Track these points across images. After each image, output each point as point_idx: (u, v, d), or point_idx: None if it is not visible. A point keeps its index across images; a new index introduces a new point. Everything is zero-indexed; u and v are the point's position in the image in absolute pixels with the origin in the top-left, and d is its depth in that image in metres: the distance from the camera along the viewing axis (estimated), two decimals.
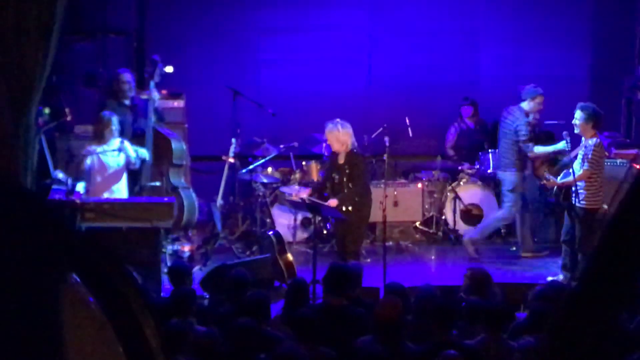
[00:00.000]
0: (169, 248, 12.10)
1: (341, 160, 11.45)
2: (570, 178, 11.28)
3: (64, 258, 2.00)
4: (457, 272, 11.81)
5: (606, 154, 11.65)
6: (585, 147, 11.27)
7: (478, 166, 14.12)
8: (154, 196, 11.53)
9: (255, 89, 14.51)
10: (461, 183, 14.04)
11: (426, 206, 14.17)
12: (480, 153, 14.19)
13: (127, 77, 12.22)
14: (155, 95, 12.07)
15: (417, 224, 14.21)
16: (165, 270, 10.64)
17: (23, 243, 1.93)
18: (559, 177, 11.65)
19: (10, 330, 1.87)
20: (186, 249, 12.41)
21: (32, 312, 1.90)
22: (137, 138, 11.91)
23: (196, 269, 11.62)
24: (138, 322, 2.22)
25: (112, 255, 2.25)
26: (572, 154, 11.66)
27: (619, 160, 13.07)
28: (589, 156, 11.18)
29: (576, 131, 11.45)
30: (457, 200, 13.86)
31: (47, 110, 12.18)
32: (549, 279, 11.28)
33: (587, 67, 15.70)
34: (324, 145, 13.82)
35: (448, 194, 14.00)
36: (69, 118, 12.35)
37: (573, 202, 11.29)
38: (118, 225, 10.15)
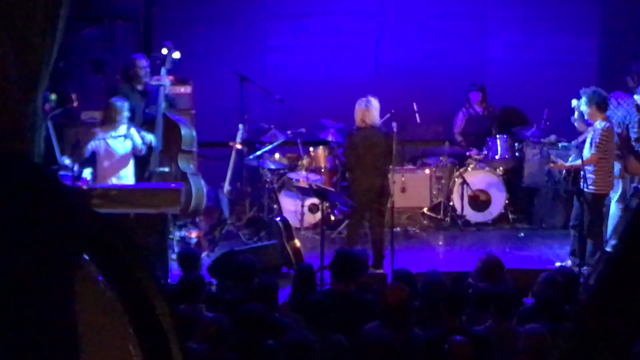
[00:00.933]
0: (176, 234, 12.10)
1: None
2: (579, 162, 11.25)
3: (79, 239, 1.98)
4: (464, 258, 11.83)
5: (613, 135, 11.53)
6: (594, 130, 11.23)
7: (486, 152, 14.10)
8: (163, 182, 11.53)
9: (262, 75, 14.47)
10: (469, 169, 14.01)
11: (434, 192, 14.15)
12: (488, 139, 14.17)
13: (143, 62, 12.21)
14: (167, 81, 12.07)
15: (425, 209, 14.19)
16: (173, 256, 10.65)
17: (37, 221, 1.90)
18: (569, 160, 11.63)
19: (20, 313, 1.85)
20: (193, 235, 12.41)
21: (46, 294, 1.88)
22: (147, 124, 11.92)
23: (204, 255, 11.62)
24: (149, 301, 2.20)
25: (124, 233, 2.23)
26: (581, 138, 11.64)
27: None
28: (597, 140, 11.13)
29: (585, 117, 11.42)
30: (465, 186, 13.83)
31: (53, 96, 12.18)
32: (557, 264, 11.28)
33: (596, 53, 15.64)
34: (332, 131, 13.82)
35: (456, 179, 13.98)
36: (75, 104, 12.36)
37: (582, 187, 11.26)
38: (125, 211, 10.15)
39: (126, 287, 2.18)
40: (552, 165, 11.97)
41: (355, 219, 11.88)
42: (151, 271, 2.25)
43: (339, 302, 7.91)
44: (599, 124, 11.18)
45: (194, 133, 12.47)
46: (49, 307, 1.84)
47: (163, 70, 12.07)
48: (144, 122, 11.96)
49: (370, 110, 11.63)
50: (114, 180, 11.28)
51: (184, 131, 12.19)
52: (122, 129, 11.34)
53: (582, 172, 11.21)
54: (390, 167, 11.74)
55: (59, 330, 1.86)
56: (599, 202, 11.34)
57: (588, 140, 11.27)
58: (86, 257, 2.18)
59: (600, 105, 11.23)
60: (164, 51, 12.19)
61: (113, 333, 2.21)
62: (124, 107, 11.36)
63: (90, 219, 2.17)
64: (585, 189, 11.21)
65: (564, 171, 11.61)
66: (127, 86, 12.07)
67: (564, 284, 8.12)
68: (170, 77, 12.96)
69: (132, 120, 11.57)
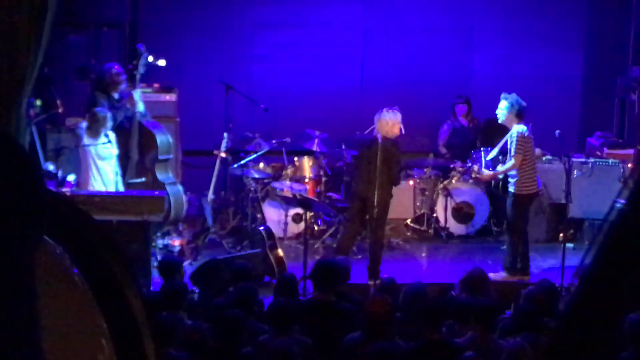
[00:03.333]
0: (159, 242, 12.06)
1: None
2: (500, 168, 11.77)
3: (42, 221, 1.95)
4: (447, 269, 11.85)
5: (530, 138, 11.72)
6: (510, 136, 11.57)
7: (470, 164, 14.11)
8: None
9: (248, 84, 14.47)
10: (453, 181, 14.02)
11: (417, 203, 14.16)
12: (472, 151, 14.18)
13: (119, 69, 12.08)
14: (141, 106, 11.91)
15: (408, 221, 14.20)
16: (155, 264, 10.63)
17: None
18: (498, 168, 11.92)
19: None
20: (176, 243, 12.39)
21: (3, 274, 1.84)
22: (118, 130, 11.74)
23: (186, 263, 11.59)
24: (124, 296, 2.19)
25: (98, 225, 2.22)
26: (500, 145, 11.92)
27: (611, 160, 13.10)
28: (515, 145, 11.45)
29: (500, 121, 11.72)
30: (449, 198, 13.85)
31: (38, 102, 12.14)
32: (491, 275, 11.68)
33: (580, 67, 15.70)
34: (316, 141, 13.83)
35: (439, 191, 13.98)
36: (60, 110, 12.31)
37: (509, 191, 11.71)
38: (108, 218, 10.11)
39: (101, 281, 2.17)
40: (478, 176, 12.34)
41: (356, 231, 11.90)
42: (128, 268, 2.23)
43: (319, 311, 7.91)
44: (516, 130, 11.52)
45: (171, 139, 12.37)
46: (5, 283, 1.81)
47: (138, 93, 11.83)
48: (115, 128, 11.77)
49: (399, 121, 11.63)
50: (101, 187, 11.25)
51: (159, 139, 12.08)
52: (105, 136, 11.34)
53: (509, 179, 11.68)
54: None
55: (18, 306, 1.84)
56: (522, 202, 11.65)
57: (508, 147, 11.54)
58: (62, 249, 2.16)
59: (519, 114, 11.56)
60: (150, 59, 12.13)
61: (85, 325, 2.20)
62: (107, 117, 11.32)
63: (59, 206, 2.15)
64: (513, 192, 11.61)
65: (492, 182, 11.98)
66: (102, 94, 11.90)
67: (545, 297, 8.14)
68: (155, 85, 12.95)
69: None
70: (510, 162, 11.52)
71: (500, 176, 12.00)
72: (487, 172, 12.19)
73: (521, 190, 11.53)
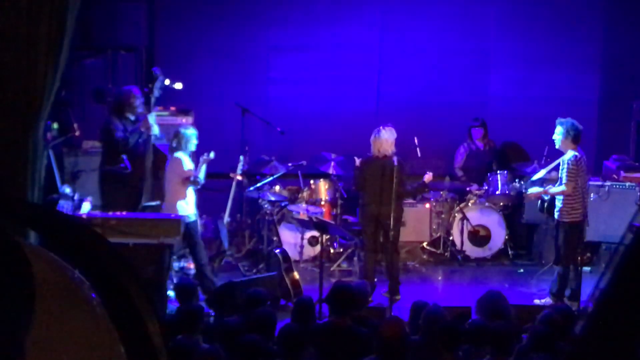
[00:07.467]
0: (175, 265, 12.06)
1: None
2: (555, 189, 11.51)
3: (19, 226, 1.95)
4: (464, 293, 11.80)
5: (584, 167, 11.58)
6: (563, 161, 11.36)
7: (486, 187, 14.09)
8: None
9: (264, 106, 14.51)
10: (469, 204, 14.01)
11: (434, 227, 14.14)
12: (488, 174, 14.16)
13: (137, 92, 12.04)
14: (156, 130, 11.86)
15: (425, 244, 14.18)
16: (171, 287, 10.64)
17: None
18: (549, 188, 11.79)
19: None
20: (192, 266, 12.39)
21: None
22: (132, 153, 11.68)
23: None
24: (141, 319, 2.20)
25: (115, 249, 2.23)
26: (550, 167, 11.80)
27: (627, 184, 13.06)
28: (567, 171, 11.26)
29: (557, 146, 11.53)
30: (465, 221, 13.82)
31: (55, 125, 12.20)
32: (536, 301, 11.46)
33: (597, 90, 15.68)
34: (332, 164, 13.83)
35: (456, 214, 13.97)
36: (77, 133, 12.35)
37: (556, 218, 11.52)
38: (125, 241, 10.12)
39: (118, 305, 2.18)
40: (529, 194, 12.18)
41: (369, 248, 11.90)
42: (145, 292, 2.24)
43: (335, 335, 7.89)
44: (568, 155, 11.33)
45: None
46: None
47: (153, 117, 11.77)
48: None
49: (379, 140, 11.73)
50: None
51: None
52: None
53: (557, 204, 11.45)
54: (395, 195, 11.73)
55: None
56: (571, 230, 11.43)
57: (559, 172, 11.42)
58: (79, 273, 2.17)
59: (576, 138, 11.36)
60: (167, 82, 12.14)
61: (104, 350, 2.21)
62: (193, 136, 11.55)
63: (75, 231, 2.16)
64: (558, 219, 11.45)
65: (539, 202, 11.79)
66: (117, 118, 11.83)
67: (561, 321, 8.10)
68: (172, 108, 12.97)
69: (125, 150, 11.49)
70: (560, 188, 11.31)
71: (546, 197, 11.87)
72: (537, 188, 12.03)
73: (568, 218, 11.36)
